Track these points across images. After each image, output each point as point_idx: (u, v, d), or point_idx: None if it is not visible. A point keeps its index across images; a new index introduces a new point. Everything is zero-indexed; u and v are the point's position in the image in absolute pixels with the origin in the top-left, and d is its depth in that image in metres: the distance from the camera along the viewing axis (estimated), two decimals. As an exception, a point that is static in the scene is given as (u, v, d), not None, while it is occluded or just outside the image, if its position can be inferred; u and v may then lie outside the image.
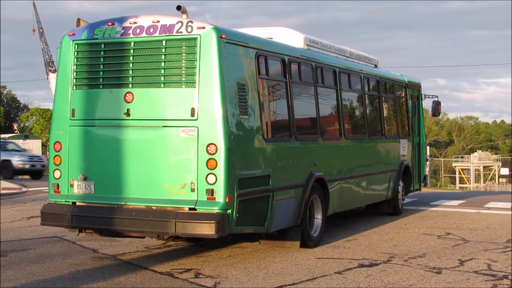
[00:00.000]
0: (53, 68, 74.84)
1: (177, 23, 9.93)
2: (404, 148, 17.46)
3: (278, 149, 11.13)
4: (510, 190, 61.44)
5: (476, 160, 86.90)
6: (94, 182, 10.30)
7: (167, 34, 9.92)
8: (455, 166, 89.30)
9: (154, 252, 11.49)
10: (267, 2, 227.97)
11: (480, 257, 11.21)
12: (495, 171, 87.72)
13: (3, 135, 63.32)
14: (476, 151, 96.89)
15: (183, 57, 9.86)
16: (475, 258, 11.11)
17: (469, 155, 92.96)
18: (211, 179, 9.54)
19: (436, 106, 19.73)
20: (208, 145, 9.58)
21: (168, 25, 9.96)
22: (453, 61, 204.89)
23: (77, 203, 10.41)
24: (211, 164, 9.55)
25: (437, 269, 10.20)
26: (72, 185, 10.46)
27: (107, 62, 10.34)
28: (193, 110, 9.70)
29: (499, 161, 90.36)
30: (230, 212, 9.59)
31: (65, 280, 9.34)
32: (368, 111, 15.37)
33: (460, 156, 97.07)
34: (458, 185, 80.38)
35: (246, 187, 9.99)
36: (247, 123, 10.22)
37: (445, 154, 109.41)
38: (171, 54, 9.91)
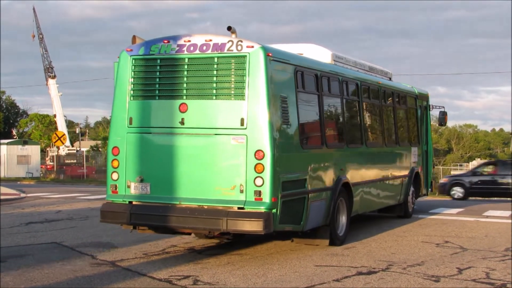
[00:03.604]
0: (53, 74, 74.74)
1: (228, 42, 10.98)
2: (414, 156, 18.66)
3: (312, 155, 12.37)
4: (509, 199, 61.36)
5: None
6: (150, 184, 11.33)
7: (219, 52, 10.98)
8: (454, 174, 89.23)
9: (153, 259, 11.49)
10: (269, 10, 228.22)
11: (478, 265, 11.22)
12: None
13: (2, 141, 63.34)
14: (474, 159, 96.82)
15: (233, 73, 10.96)
16: (474, 266, 11.12)
17: (468, 163, 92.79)
18: (259, 181, 10.62)
19: (443, 116, 21.16)
20: (256, 152, 10.66)
21: (220, 44, 11.01)
22: (454, 69, 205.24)
23: (134, 202, 11.42)
24: (259, 168, 10.64)
25: (436, 277, 10.21)
26: (129, 186, 11.45)
27: (163, 75, 11.39)
28: (242, 120, 10.79)
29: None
30: (274, 211, 10.67)
31: (63, 286, 9.34)
32: (384, 121, 16.45)
33: (459, 164, 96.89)
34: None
35: (287, 189, 11.07)
36: (288, 132, 11.39)
37: (444, 162, 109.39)
38: (222, 69, 10.99)
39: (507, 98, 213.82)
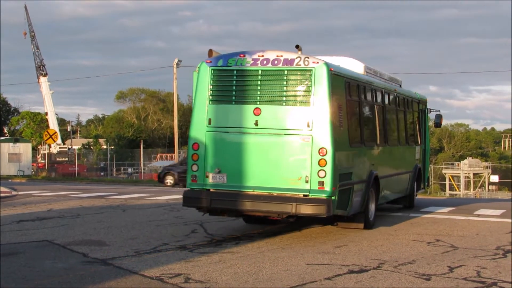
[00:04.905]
0: (44, 72, 74.56)
1: (297, 58, 13.18)
2: (417, 154, 21.12)
3: (356, 152, 14.65)
4: (499, 197, 61.52)
5: (466, 167, 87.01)
6: (227, 174, 13.44)
7: (288, 66, 13.19)
8: (445, 173, 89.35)
9: (144, 257, 11.48)
10: (261, 9, 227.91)
11: (469, 264, 11.25)
12: (485, 178, 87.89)
13: (-7, 138, 63.06)
14: (466, 158, 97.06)
15: (301, 83, 13.16)
16: (465, 265, 11.15)
17: (459, 162, 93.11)
18: (322, 174, 12.85)
19: (438, 119, 23.21)
20: (320, 149, 12.89)
21: (289, 59, 13.21)
22: (445, 68, 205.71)
23: (211, 190, 13.53)
24: (322, 163, 12.86)
25: (427, 275, 10.24)
26: (207, 176, 13.54)
27: (239, 84, 13.51)
28: (308, 123, 12.99)
29: (489, 168, 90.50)
30: (334, 198, 12.94)
31: (55, 285, 9.32)
32: (398, 123, 18.77)
33: (450, 163, 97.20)
34: (448, 192, 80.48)
35: (342, 181, 13.33)
36: (342, 133, 13.61)
37: (435, 161, 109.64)
38: (291, 80, 13.20)
39: (499, 97, 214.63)
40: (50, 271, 10.18)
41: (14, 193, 26.41)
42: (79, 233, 14.29)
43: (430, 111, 22.82)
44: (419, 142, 21.35)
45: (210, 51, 14.00)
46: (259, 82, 13.34)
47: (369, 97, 15.93)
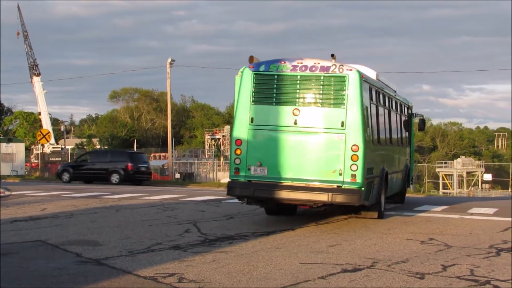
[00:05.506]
0: (37, 72, 74.42)
1: (332, 65, 14.82)
2: (407, 154, 22.90)
3: (376, 150, 16.33)
4: (493, 196, 61.67)
5: (460, 165, 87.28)
6: (267, 167, 14.98)
7: (325, 72, 14.80)
8: (438, 172, 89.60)
9: (138, 257, 11.45)
10: (255, 8, 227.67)
11: (463, 262, 11.26)
12: (478, 176, 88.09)
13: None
14: (459, 157, 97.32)
15: (335, 88, 14.77)
16: (458, 263, 11.16)
17: (452, 161, 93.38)
18: (354, 167, 14.56)
19: (422, 122, 25.36)
20: (352, 145, 14.56)
21: (326, 66, 14.83)
22: (439, 67, 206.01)
23: (253, 181, 15.06)
24: (354, 158, 14.55)
25: (420, 274, 10.24)
26: (249, 169, 15.07)
27: (279, 87, 15.10)
28: (342, 122, 14.66)
29: (482, 166, 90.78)
30: (363, 189, 14.66)
31: (48, 285, 9.29)
32: (397, 125, 20.54)
33: (443, 161, 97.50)
34: (441, 190, 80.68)
35: (368, 174, 15.04)
36: (369, 132, 15.28)
37: (428, 160, 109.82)
38: (327, 85, 14.81)
39: (492, 96, 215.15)
40: (44, 271, 10.15)
41: (7, 193, 26.31)
42: (72, 233, 14.26)
43: (415, 116, 24.83)
44: (408, 144, 23.18)
45: (251, 58, 15.41)
46: (298, 86, 14.92)
47: (382, 101, 17.63)
